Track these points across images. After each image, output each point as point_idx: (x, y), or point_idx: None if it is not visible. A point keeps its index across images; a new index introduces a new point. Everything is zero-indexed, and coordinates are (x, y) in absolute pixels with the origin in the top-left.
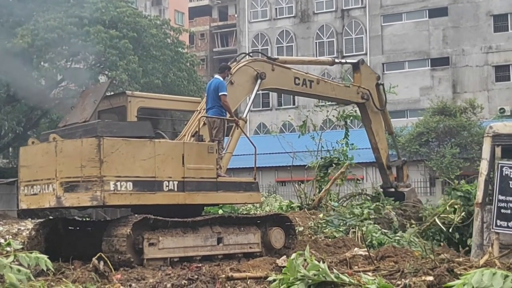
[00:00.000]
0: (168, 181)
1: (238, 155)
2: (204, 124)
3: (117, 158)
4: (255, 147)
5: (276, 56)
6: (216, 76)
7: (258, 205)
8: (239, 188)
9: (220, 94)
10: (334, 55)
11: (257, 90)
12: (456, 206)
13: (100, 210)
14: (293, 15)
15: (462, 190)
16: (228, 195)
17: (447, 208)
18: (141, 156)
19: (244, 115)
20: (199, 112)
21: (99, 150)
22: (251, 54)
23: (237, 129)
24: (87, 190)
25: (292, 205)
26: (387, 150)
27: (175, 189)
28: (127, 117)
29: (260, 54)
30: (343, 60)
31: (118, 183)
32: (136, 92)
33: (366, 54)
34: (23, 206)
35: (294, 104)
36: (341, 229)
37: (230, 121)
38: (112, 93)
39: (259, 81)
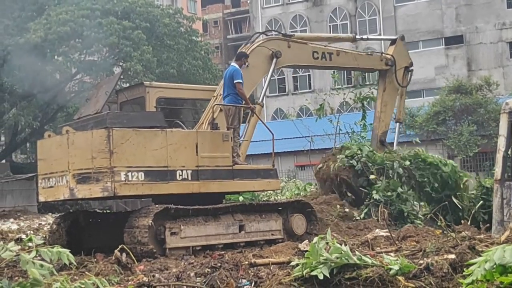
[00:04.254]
0: (182, 170)
1: (256, 141)
2: (221, 110)
3: (128, 149)
4: (272, 134)
5: (292, 33)
6: (233, 63)
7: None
8: (257, 175)
9: (235, 82)
10: None
11: (273, 70)
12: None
13: (121, 202)
14: None
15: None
16: (246, 183)
17: (462, 186)
18: (153, 146)
19: (260, 100)
20: (216, 98)
21: (108, 141)
22: (266, 33)
23: (253, 115)
24: (98, 182)
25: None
26: (387, 127)
27: (189, 178)
28: (146, 108)
29: (275, 32)
30: (364, 36)
31: (129, 174)
32: (154, 82)
33: (380, 35)
34: (41, 198)
35: (310, 88)
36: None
37: (246, 108)
38: (128, 84)
39: (274, 60)
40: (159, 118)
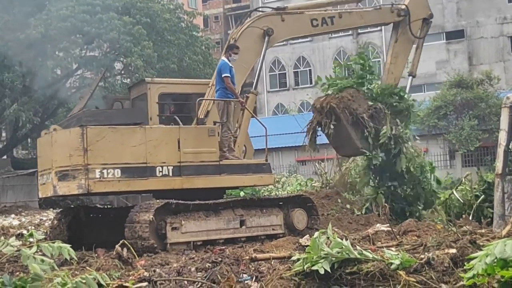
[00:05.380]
0: (162, 166)
1: (257, 136)
2: (214, 103)
3: (104, 146)
4: (265, 128)
5: (285, 5)
6: (222, 57)
7: (280, 185)
8: (248, 170)
9: (222, 76)
10: (349, 33)
11: (266, 49)
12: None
13: (121, 197)
14: None
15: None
16: (234, 178)
17: (463, 180)
18: (131, 142)
19: (253, 88)
20: (211, 89)
21: (82, 139)
22: (258, 10)
23: (248, 106)
24: (74, 179)
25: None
26: (397, 80)
27: (170, 174)
28: (148, 104)
29: (268, 8)
30: None
31: (105, 171)
32: (156, 78)
33: (381, 30)
34: (39, 195)
35: (311, 83)
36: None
37: (238, 102)
38: (129, 80)
39: (266, 38)
40: (139, 114)
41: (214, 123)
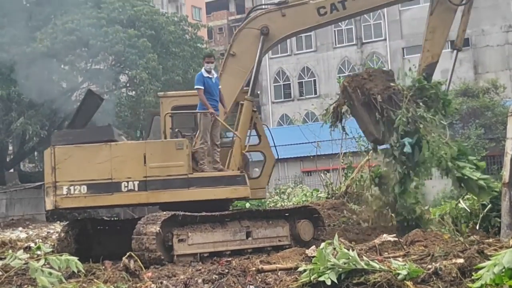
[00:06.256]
0: (127, 182)
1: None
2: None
3: (71, 164)
4: (240, 138)
5: None
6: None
7: (285, 196)
8: (220, 183)
9: (194, 87)
10: (354, 42)
11: (263, 49)
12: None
13: (128, 209)
14: None
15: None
16: (204, 191)
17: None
18: (97, 159)
19: (249, 94)
20: None
21: (50, 159)
22: (258, 8)
23: (244, 114)
24: (48, 195)
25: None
26: (436, 58)
27: (136, 189)
28: (161, 118)
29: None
30: None
31: (72, 187)
32: (169, 92)
33: (385, 39)
34: None
35: (316, 93)
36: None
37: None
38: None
39: (261, 38)
40: (107, 132)
41: (184, 135)
